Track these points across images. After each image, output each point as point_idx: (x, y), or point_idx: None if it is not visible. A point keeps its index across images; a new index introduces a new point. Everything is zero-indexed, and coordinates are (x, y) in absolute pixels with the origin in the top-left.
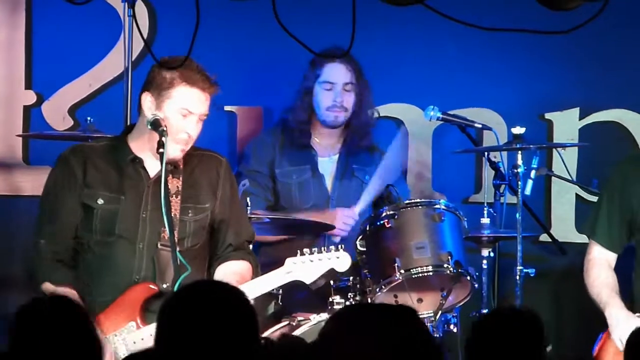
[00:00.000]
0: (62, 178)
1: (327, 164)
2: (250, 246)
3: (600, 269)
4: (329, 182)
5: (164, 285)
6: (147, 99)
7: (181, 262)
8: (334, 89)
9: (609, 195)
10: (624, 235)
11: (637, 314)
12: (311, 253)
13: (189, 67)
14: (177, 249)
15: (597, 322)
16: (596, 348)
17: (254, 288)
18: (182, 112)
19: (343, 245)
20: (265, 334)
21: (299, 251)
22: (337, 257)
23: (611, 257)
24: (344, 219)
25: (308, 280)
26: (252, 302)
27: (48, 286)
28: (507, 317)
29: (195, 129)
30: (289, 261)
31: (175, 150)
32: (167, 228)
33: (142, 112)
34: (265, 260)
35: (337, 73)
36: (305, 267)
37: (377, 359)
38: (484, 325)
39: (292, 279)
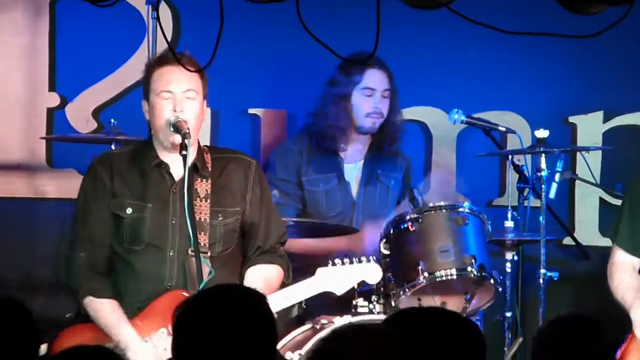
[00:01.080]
0: (91, 189)
1: (353, 171)
2: (282, 248)
3: (624, 272)
4: (354, 189)
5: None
6: (143, 106)
7: (206, 267)
8: (374, 95)
9: (632, 200)
10: None
11: None
12: (342, 264)
13: (163, 55)
14: (209, 254)
15: (621, 326)
16: (621, 349)
17: (285, 298)
18: (163, 95)
19: (374, 257)
20: (288, 337)
21: (330, 261)
22: (369, 269)
23: (635, 261)
24: (370, 243)
25: (339, 291)
26: (270, 305)
27: (90, 300)
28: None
29: (186, 110)
30: (320, 271)
31: (177, 138)
32: (190, 231)
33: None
34: (294, 265)
35: (377, 79)
36: (337, 278)
37: None
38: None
39: (322, 290)
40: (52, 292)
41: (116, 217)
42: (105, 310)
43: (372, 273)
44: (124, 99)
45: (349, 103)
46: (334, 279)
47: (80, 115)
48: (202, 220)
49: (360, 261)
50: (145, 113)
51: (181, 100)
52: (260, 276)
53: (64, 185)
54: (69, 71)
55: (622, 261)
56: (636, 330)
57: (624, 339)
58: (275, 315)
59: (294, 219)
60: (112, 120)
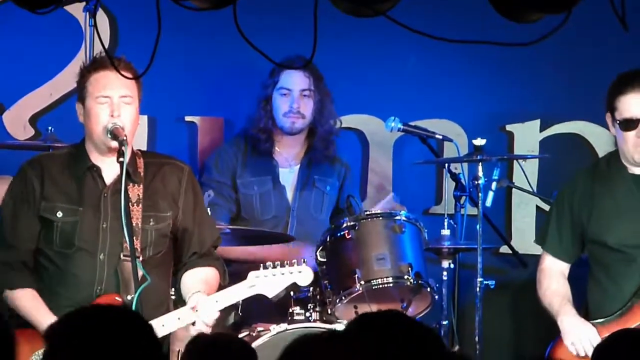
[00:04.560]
0: (19, 191)
1: (288, 175)
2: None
3: (552, 278)
4: (290, 193)
5: (129, 297)
6: (78, 110)
7: (141, 272)
8: (291, 95)
9: (559, 207)
10: (576, 246)
11: (591, 322)
12: (274, 267)
13: (99, 59)
14: (140, 258)
15: (556, 334)
16: (548, 353)
17: (217, 301)
18: (100, 100)
19: (305, 260)
20: None
21: (261, 265)
22: (300, 272)
23: (563, 267)
24: (308, 259)
25: (270, 294)
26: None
27: (8, 294)
28: None
29: (123, 116)
30: (251, 275)
31: (114, 144)
32: (127, 238)
33: (80, 121)
34: (229, 269)
35: (293, 79)
36: (268, 281)
37: None
38: None
39: (254, 293)
40: None
41: (46, 220)
42: (22, 299)
43: (303, 275)
44: (61, 106)
45: (269, 104)
46: (265, 281)
47: (18, 122)
48: (134, 224)
49: (291, 264)
50: (79, 116)
51: (118, 105)
52: (199, 278)
53: (1, 192)
54: (6, 78)
55: (550, 267)
56: (564, 338)
57: (551, 344)
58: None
59: (230, 226)
60: (50, 128)
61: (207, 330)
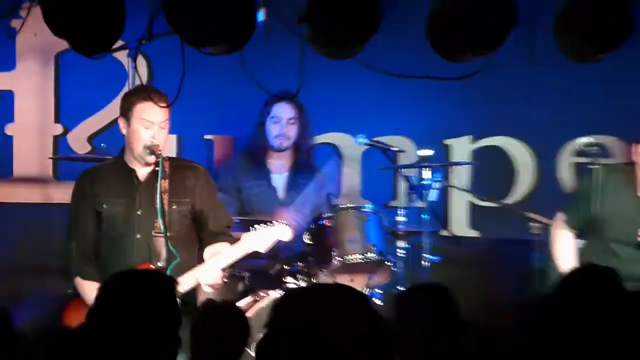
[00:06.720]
0: (77, 195)
1: (279, 179)
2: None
3: (561, 238)
4: (281, 193)
5: (159, 264)
6: (120, 122)
7: (171, 251)
8: (280, 122)
9: (583, 192)
10: (582, 223)
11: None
12: (261, 227)
13: (145, 91)
14: (169, 233)
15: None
16: None
17: (223, 260)
18: (143, 123)
19: (285, 221)
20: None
21: (251, 227)
22: (280, 230)
23: (570, 232)
24: (288, 218)
25: (262, 249)
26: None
27: (78, 280)
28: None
29: (159, 136)
30: (244, 236)
31: (151, 158)
32: (160, 223)
33: (122, 133)
34: (259, 267)
35: (282, 110)
36: (258, 238)
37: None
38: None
39: (251, 250)
40: (59, 275)
41: (97, 213)
42: (87, 290)
43: (283, 232)
44: (111, 129)
45: (263, 128)
46: (256, 240)
47: (78, 141)
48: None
49: (273, 224)
50: (122, 129)
51: (157, 130)
52: (214, 251)
53: (67, 193)
54: (70, 107)
55: (562, 232)
56: None
57: None
58: (222, 273)
59: (238, 217)
60: (102, 144)
61: (209, 289)
